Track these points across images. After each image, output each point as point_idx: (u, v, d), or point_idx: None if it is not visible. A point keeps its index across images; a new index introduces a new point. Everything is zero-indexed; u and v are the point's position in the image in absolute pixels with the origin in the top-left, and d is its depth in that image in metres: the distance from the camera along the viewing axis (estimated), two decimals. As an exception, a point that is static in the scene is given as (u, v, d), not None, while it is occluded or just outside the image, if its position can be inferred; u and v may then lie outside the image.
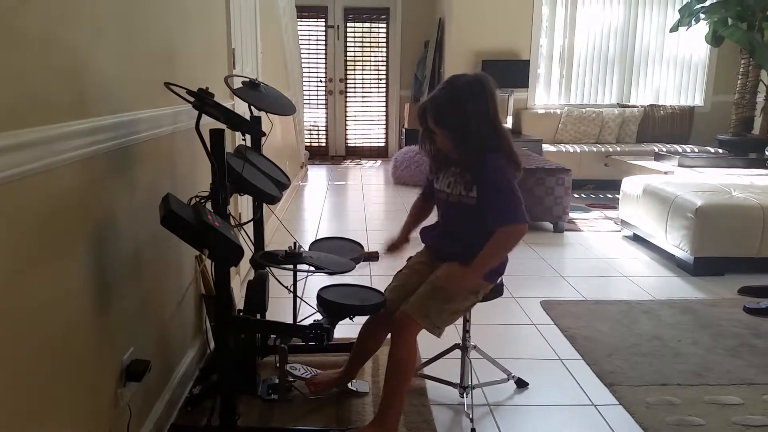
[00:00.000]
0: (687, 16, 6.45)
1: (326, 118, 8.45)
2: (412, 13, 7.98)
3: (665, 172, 5.15)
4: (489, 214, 1.88)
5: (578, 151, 6.46)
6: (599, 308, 3.09)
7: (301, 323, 1.86)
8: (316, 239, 2.36)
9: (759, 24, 6.10)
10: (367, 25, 8.23)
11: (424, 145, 2.03)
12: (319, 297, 1.85)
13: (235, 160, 1.95)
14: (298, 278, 1.95)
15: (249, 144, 2.42)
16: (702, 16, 6.40)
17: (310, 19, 8.09)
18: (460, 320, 2.10)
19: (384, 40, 8.23)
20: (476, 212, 1.92)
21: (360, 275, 3.30)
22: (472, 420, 2.07)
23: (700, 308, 3.10)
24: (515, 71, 6.78)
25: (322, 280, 1.94)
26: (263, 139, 2.30)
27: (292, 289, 1.99)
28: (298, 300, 2.04)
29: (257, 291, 2.16)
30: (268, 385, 2.20)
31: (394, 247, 2.21)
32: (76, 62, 1.34)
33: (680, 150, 6.33)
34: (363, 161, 8.34)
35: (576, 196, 5.90)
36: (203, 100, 1.65)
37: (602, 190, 6.33)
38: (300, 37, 6.73)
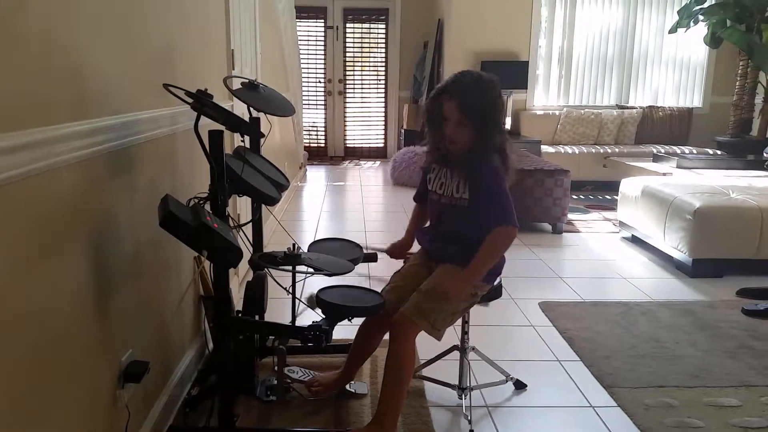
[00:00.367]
0: (686, 18, 6.46)
1: (325, 118, 8.45)
2: (411, 13, 7.99)
3: (664, 174, 5.16)
4: (488, 216, 1.88)
5: (577, 152, 6.47)
6: (598, 310, 3.09)
7: (300, 324, 1.86)
8: (315, 240, 2.36)
9: (757, 26, 6.11)
10: (366, 25, 8.24)
11: (432, 134, 1.98)
12: (318, 298, 1.85)
13: (234, 162, 1.95)
14: (297, 279, 1.95)
15: (248, 145, 2.42)
16: (701, 17, 6.41)
17: (309, 20, 8.09)
18: (459, 321, 2.10)
19: (383, 40, 8.24)
20: (469, 213, 1.92)
21: (359, 276, 3.30)
22: (470, 421, 2.07)
23: (699, 310, 3.10)
24: (514, 72, 6.79)
25: (321, 281, 1.94)
26: (262, 140, 2.30)
27: (290, 291, 1.99)
28: (297, 301, 2.04)
29: (256, 292, 2.16)
30: (266, 387, 2.20)
31: (399, 250, 2.21)
32: (75, 63, 1.34)
33: (679, 151, 6.34)
34: (362, 162, 8.34)
35: (575, 197, 5.90)
36: (202, 102, 1.65)
37: (601, 192, 6.34)
38: (299, 38, 6.73)
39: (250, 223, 2.34)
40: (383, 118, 8.50)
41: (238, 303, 2.40)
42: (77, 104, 1.35)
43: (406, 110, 7.72)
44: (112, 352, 1.56)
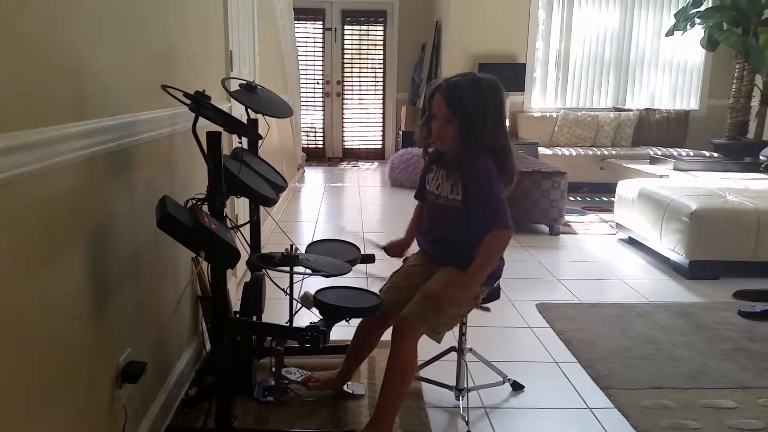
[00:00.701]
0: (682, 21, 6.48)
1: (323, 120, 8.46)
2: (409, 16, 8.00)
3: (660, 176, 5.17)
4: (475, 217, 1.88)
5: (574, 154, 6.48)
6: (595, 311, 3.10)
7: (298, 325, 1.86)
8: (312, 241, 2.37)
9: (754, 29, 6.13)
10: (365, 27, 8.25)
11: (423, 132, 1.98)
12: (315, 299, 1.85)
13: (232, 163, 1.95)
14: (295, 280, 1.95)
15: (246, 146, 2.42)
16: (697, 20, 6.44)
17: (308, 22, 8.09)
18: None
19: (381, 42, 8.25)
20: (463, 214, 1.92)
21: (356, 277, 3.30)
22: (467, 423, 2.07)
23: (695, 312, 3.11)
24: (511, 74, 6.80)
25: (318, 282, 1.94)
26: (260, 141, 2.30)
27: (288, 292, 1.99)
28: (294, 302, 2.04)
29: (253, 293, 2.16)
30: (263, 387, 2.20)
31: (397, 248, 2.20)
32: (75, 63, 1.34)
33: (675, 154, 6.36)
34: (360, 163, 8.34)
35: (571, 199, 5.91)
36: (199, 103, 1.65)
37: (598, 194, 6.35)
38: (297, 40, 6.73)
39: (248, 224, 2.35)
40: (381, 120, 8.50)
41: (235, 304, 2.40)
42: (77, 105, 1.36)
43: (404, 112, 7.73)
44: (110, 353, 1.56)
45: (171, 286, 2.10)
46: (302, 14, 7.80)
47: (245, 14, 3.50)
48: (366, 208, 5.54)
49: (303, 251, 2.03)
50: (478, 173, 1.86)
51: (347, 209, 5.63)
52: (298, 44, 6.72)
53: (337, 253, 2.14)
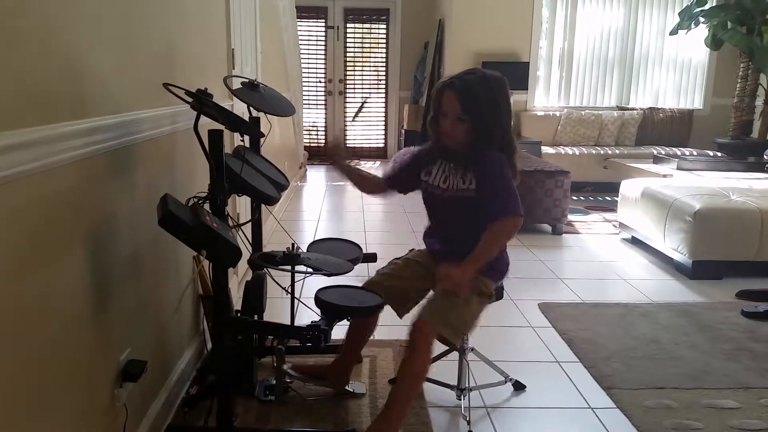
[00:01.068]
0: (687, 20, 6.46)
1: (325, 118, 8.45)
2: (411, 14, 7.98)
3: (664, 175, 5.15)
4: (488, 206, 1.86)
5: (577, 153, 6.47)
6: (597, 311, 3.09)
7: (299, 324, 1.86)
8: (314, 240, 2.36)
9: (758, 28, 6.11)
10: (367, 25, 8.23)
11: (430, 127, 1.97)
12: (317, 298, 1.85)
13: (234, 161, 1.95)
14: (296, 279, 1.94)
15: (247, 145, 2.42)
16: (701, 19, 6.41)
17: (310, 20, 8.09)
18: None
19: (384, 40, 8.23)
20: (475, 206, 1.91)
21: (358, 276, 3.29)
22: (469, 422, 2.07)
23: (698, 311, 3.10)
24: (515, 73, 6.78)
25: (320, 281, 1.94)
26: (262, 139, 2.30)
27: (289, 290, 1.99)
28: (296, 301, 2.04)
29: (255, 292, 2.16)
30: (265, 386, 2.20)
31: (336, 148, 2.22)
32: (75, 62, 1.34)
33: (679, 153, 6.34)
34: (362, 162, 8.33)
35: (575, 198, 5.90)
36: (201, 101, 1.65)
37: (601, 193, 6.34)
38: (300, 38, 6.73)
39: (250, 223, 2.34)
40: (383, 119, 8.50)
41: (237, 302, 2.40)
42: (77, 103, 1.35)
43: (407, 110, 7.72)
44: (111, 351, 1.56)
45: (172, 284, 2.10)
46: (304, 12, 7.79)
47: (247, 12, 3.50)
48: (368, 207, 5.53)
49: (304, 250, 2.03)
50: (491, 163, 1.87)
51: (349, 208, 5.62)
52: (300, 42, 6.71)
53: (339, 252, 2.14)
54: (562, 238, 4.59)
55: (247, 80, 2.12)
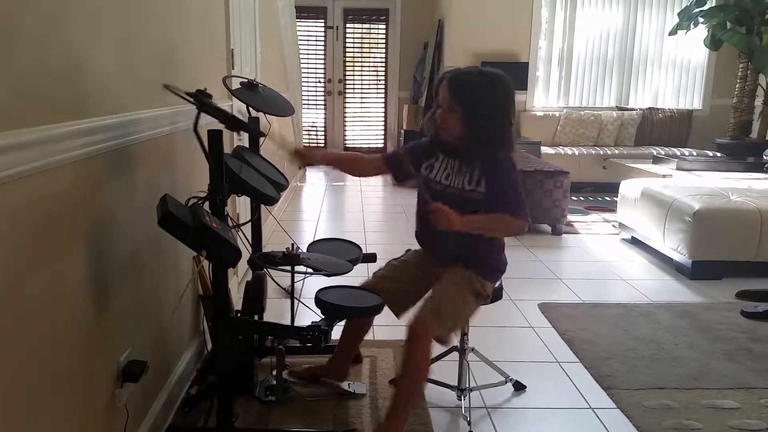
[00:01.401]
0: (686, 20, 6.46)
1: (325, 118, 8.45)
2: (411, 14, 7.98)
3: (663, 176, 5.16)
4: (500, 208, 1.86)
5: (576, 153, 6.47)
6: (597, 311, 3.09)
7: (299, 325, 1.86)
8: (314, 240, 2.36)
9: (757, 28, 6.11)
10: (367, 26, 8.23)
11: (427, 117, 1.99)
12: (317, 299, 1.84)
13: (233, 161, 1.95)
14: (296, 279, 1.94)
15: (247, 145, 2.42)
16: (701, 19, 6.41)
17: (310, 20, 8.08)
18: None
19: (383, 41, 8.23)
20: (481, 207, 1.90)
21: (358, 277, 3.29)
22: (469, 423, 2.07)
23: (698, 312, 3.10)
24: (514, 73, 6.67)
25: (320, 281, 1.94)
26: (261, 139, 2.29)
27: (289, 291, 1.99)
28: (296, 301, 2.04)
29: (255, 292, 2.16)
30: (265, 387, 2.20)
31: (300, 154, 2.20)
32: (75, 62, 1.34)
33: (678, 153, 6.34)
34: (361, 162, 8.32)
35: (574, 198, 5.90)
36: (201, 101, 1.65)
37: (600, 193, 6.34)
38: (299, 38, 6.73)
39: (249, 223, 2.34)
40: (383, 119, 8.49)
41: (237, 303, 2.39)
42: (77, 103, 1.35)
43: (406, 111, 7.72)
44: (111, 352, 1.56)
45: (172, 285, 2.10)
46: (304, 12, 7.78)
47: (247, 12, 3.50)
48: (368, 207, 5.53)
49: (304, 250, 2.03)
50: (507, 172, 1.88)
51: (349, 208, 5.62)
52: (299, 42, 6.71)
53: (339, 253, 2.14)
54: (561, 239, 4.59)
55: (247, 80, 2.12)
